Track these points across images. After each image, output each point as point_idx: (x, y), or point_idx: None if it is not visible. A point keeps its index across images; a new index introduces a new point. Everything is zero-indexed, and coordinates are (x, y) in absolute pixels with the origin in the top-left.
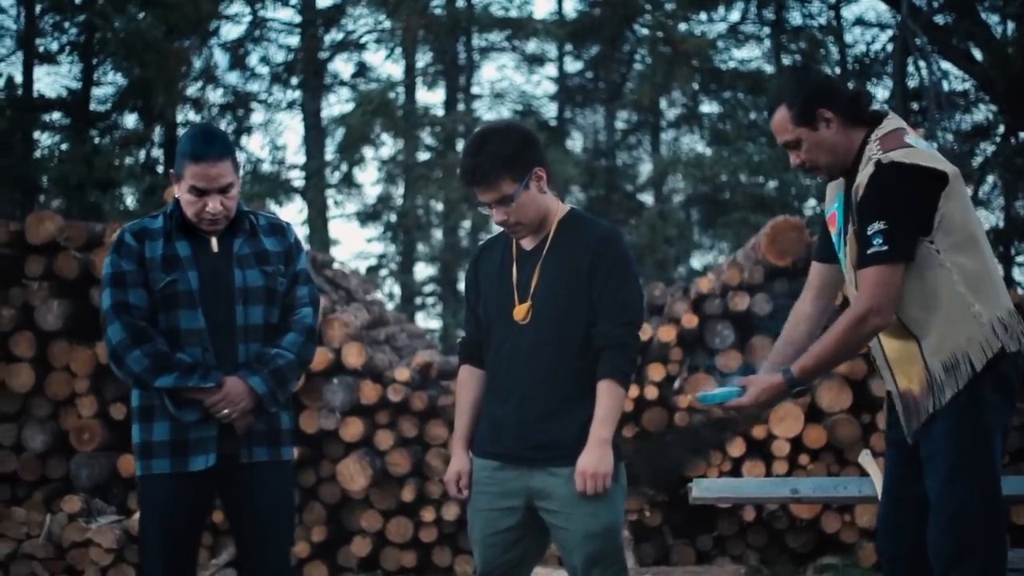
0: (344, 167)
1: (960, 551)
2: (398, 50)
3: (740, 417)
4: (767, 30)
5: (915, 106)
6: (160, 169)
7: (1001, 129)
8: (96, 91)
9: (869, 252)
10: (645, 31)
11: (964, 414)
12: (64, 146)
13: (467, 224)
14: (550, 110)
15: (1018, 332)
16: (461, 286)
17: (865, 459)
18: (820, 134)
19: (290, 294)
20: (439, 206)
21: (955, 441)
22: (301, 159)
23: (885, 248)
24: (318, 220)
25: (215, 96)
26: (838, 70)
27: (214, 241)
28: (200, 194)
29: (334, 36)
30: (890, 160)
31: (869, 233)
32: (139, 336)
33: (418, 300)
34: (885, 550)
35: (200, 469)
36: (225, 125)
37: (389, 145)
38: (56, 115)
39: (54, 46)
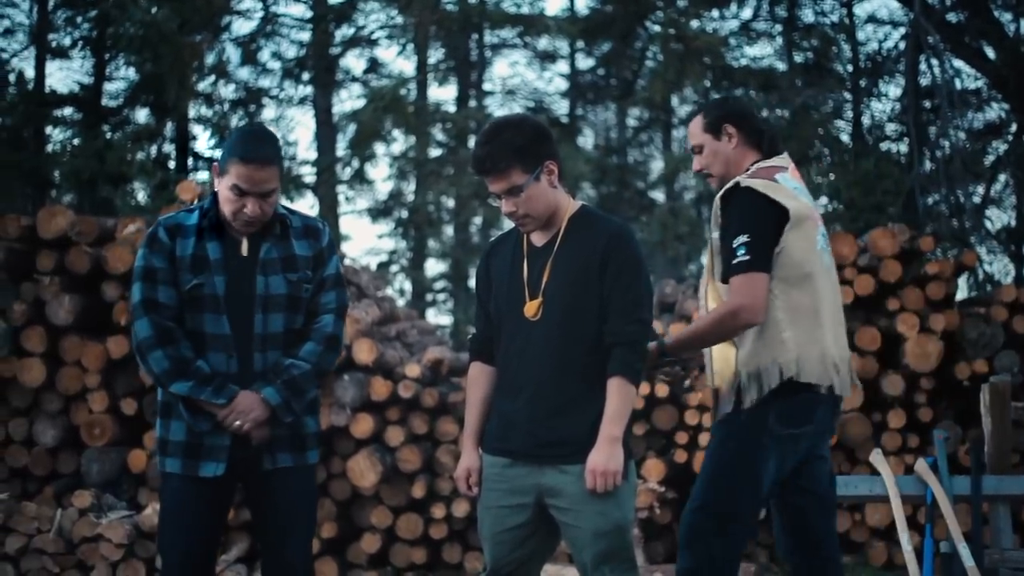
0: (355, 163)
1: (685, 543)
2: (410, 46)
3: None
4: (779, 27)
5: (927, 104)
6: (172, 164)
7: (1013, 127)
8: (108, 86)
9: (735, 262)
10: (657, 28)
11: (742, 431)
12: (76, 141)
13: (478, 220)
14: (562, 107)
15: (822, 372)
16: (472, 282)
17: (876, 458)
18: (720, 145)
19: (315, 300)
20: (450, 202)
21: (723, 451)
22: (312, 155)
23: (748, 258)
24: (329, 216)
25: (227, 91)
26: (850, 68)
27: (244, 244)
28: (241, 194)
29: (345, 32)
30: (747, 185)
31: (735, 246)
32: (164, 337)
33: (429, 296)
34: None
35: (209, 476)
36: (236, 121)
37: (400, 141)
38: (68, 110)
39: (66, 41)
